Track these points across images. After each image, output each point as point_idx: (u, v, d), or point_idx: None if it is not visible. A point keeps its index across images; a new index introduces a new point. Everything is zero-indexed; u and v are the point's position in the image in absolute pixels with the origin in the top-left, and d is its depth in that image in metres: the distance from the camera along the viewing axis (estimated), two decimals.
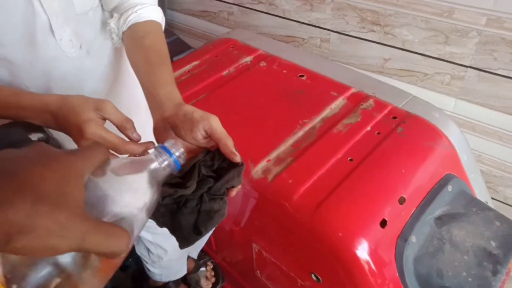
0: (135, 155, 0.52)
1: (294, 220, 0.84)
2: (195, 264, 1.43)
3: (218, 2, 1.97)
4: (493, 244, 0.80)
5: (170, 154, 0.44)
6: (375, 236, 0.78)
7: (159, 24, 0.67)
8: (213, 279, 1.43)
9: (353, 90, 1.13)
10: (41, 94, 0.55)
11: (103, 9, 0.68)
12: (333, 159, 0.90)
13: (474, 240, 0.81)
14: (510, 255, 0.78)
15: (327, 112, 1.07)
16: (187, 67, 1.33)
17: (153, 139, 0.55)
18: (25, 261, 0.28)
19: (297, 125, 1.02)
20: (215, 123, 0.49)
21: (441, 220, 0.84)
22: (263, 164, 0.93)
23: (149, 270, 1.29)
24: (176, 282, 1.38)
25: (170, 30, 2.01)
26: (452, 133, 0.99)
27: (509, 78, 1.28)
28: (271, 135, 1.00)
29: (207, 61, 1.35)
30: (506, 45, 1.22)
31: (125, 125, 0.53)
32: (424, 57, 1.43)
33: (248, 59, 1.33)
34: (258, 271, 1.14)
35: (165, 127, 0.53)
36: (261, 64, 1.28)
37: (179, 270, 1.34)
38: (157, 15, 0.67)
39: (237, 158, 0.49)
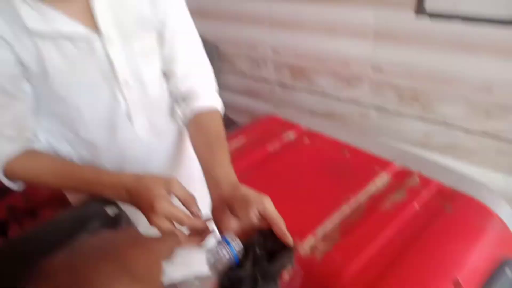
0: (196, 228, 0.57)
1: None
2: None
3: (261, 81, 2.14)
4: None
5: (231, 248, 0.49)
6: None
7: (219, 112, 0.75)
8: None
9: (396, 166, 1.15)
10: (118, 172, 0.63)
11: (171, 98, 0.78)
12: (381, 237, 0.90)
13: None
14: None
15: (371, 188, 1.09)
16: (234, 143, 1.42)
17: (205, 211, 0.60)
18: None
19: (342, 201, 1.04)
20: (268, 205, 0.53)
21: None
22: (310, 240, 0.94)
23: None
24: None
25: None
26: (503, 212, 0.97)
27: None
28: (316, 210, 1.02)
29: (252, 137, 1.44)
30: None
31: (189, 201, 0.58)
32: (466, 132, 1.44)
33: (291, 135, 1.40)
34: None
35: (223, 206, 0.58)
36: (304, 140, 1.35)
37: None
38: (218, 104, 0.76)
39: (290, 241, 0.52)
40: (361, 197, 1.05)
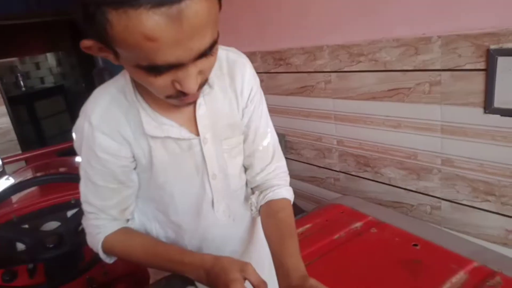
0: None
1: None
2: None
3: (326, 169, 2.20)
4: None
5: None
6: None
7: (290, 202, 0.81)
8: None
9: (475, 264, 1.08)
10: (198, 253, 0.70)
11: (247, 187, 0.87)
12: None
13: None
14: None
15: (447, 286, 1.02)
16: (300, 230, 1.44)
17: None
18: None
19: None
20: None
21: None
22: None
23: None
24: None
25: None
26: None
27: None
28: None
29: (318, 225, 1.45)
30: None
31: (261, 286, 0.62)
32: None
33: (358, 224, 1.39)
34: None
35: None
36: (371, 231, 1.33)
37: None
38: (289, 194, 0.82)
39: None
40: None
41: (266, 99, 0.81)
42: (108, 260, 0.78)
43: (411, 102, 1.61)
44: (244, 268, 0.62)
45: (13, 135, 3.62)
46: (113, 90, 0.67)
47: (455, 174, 1.55)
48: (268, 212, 0.78)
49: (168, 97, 0.57)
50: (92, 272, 1.35)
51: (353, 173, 2.03)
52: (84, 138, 0.67)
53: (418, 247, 1.19)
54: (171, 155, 0.70)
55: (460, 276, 1.04)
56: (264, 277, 0.63)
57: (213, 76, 0.70)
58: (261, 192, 0.81)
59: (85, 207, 0.74)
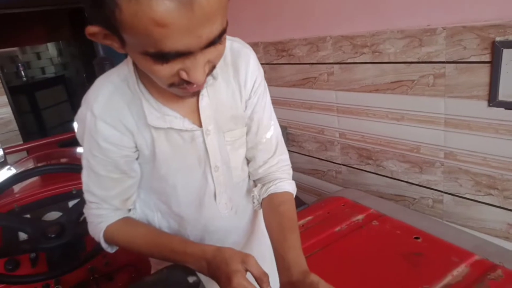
0: None
1: None
2: None
3: (328, 162, 2.19)
4: None
5: None
6: None
7: (292, 195, 0.81)
8: None
9: (476, 257, 1.08)
10: (200, 244, 0.69)
11: (249, 179, 0.86)
12: None
13: None
14: None
15: (449, 279, 1.02)
16: (301, 222, 1.44)
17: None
18: None
19: None
20: None
21: None
22: None
23: None
24: None
25: None
26: None
27: None
28: None
29: (319, 217, 1.45)
30: None
31: (263, 278, 0.62)
32: None
33: (359, 217, 1.39)
34: None
35: None
36: (373, 223, 1.33)
37: None
38: (292, 188, 0.82)
39: None
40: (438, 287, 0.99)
41: (268, 91, 0.80)
42: (110, 249, 0.78)
43: (415, 95, 1.60)
44: (245, 259, 0.62)
45: (14, 125, 3.62)
46: (116, 79, 0.66)
47: (458, 167, 1.55)
48: (269, 206, 0.77)
49: (171, 85, 0.56)
50: (93, 262, 1.35)
51: (355, 166, 2.03)
52: (86, 127, 0.66)
53: (419, 240, 1.19)
54: (174, 146, 0.69)
55: (461, 269, 1.05)
56: (266, 269, 0.62)
57: (217, 67, 0.69)
58: (263, 185, 0.80)
59: (87, 196, 0.74)
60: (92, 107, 0.65)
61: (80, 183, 0.74)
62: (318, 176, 2.28)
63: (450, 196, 1.62)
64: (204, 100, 0.69)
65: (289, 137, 2.37)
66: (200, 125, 0.69)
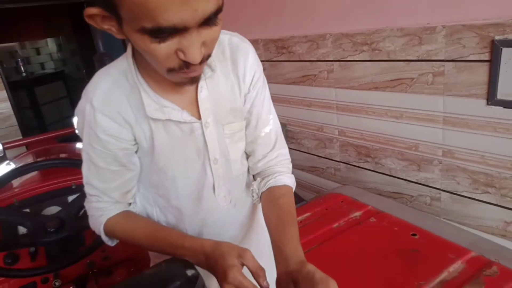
0: None
1: None
2: None
3: (326, 159, 2.20)
4: None
5: None
6: None
7: (291, 189, 0.82)
8: None
9: (472, 254, 1.09)
10: (199, 238, 0.70)
11: (248, 173, 0.87)
12: None
13: None
14: None
15: (445, 275, 1.03)
16: (300, 218, 1.44)
17: (270, 283, 0.63)
18: None
19: (414, 287, 0.99)
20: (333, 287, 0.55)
21: None
22: None
23: None
24: None
25: None
26: None
27: None
28: None
29: (318, 214, 1.46)
30: None
31: (259, 273, 0.62)
32: None
33: (357, 214, 1.40)
34: None
35: (287, 280, 0.61)
36: (370, 220, 1.34)
37: None
38: (291, 181, 0.82)
39: None
40: (434, 283, 1.00)
41: (268, 86, 0.81)
42: (110, 242, 0.79)
43: (414, 93, 1.61)
44: (242, 254, 0.62)
45: (13, 121, 3.62)
46: (115, 72, 0.67)
47: (456, 165, 1.55)
48: (269, 198, 0.78)
49: (171, 70, 0.56)
50: (92, 256, 1.36)
51: (353, 163, 2.03)
52: (86, 120, 0.67)
53: (416, 237, 1.20)
54: (173, 138, 0.70)
55: (457, 265, 1.05)
56: (264, 263, 0.63)
57: (215, 60, 0.69)
58: (262, 179, 0.81)
59: (87, 189, 0.74)
60: (92, 100, 0.65)
61: (80, 178, 0.74)
62: (317, 173, 2.29)
63: (447, 194, 1.63)
64: (203, 92, 0.69)
65: (289, 134, 2.38)
66: (199, 118, 0.70)
